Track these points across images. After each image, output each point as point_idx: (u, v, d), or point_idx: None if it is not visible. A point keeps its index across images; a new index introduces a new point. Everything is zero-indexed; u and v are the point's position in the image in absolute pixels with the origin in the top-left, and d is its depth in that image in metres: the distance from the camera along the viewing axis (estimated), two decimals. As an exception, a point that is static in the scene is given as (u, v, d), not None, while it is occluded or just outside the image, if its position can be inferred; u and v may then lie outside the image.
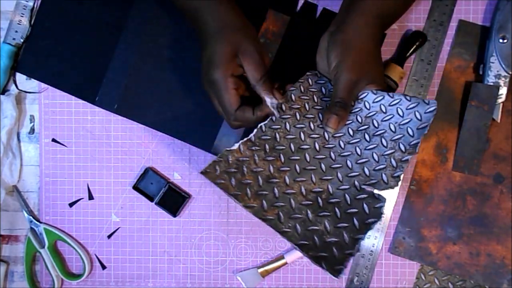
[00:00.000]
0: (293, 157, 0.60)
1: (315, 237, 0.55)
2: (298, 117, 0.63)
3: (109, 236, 0.74)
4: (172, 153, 0.74)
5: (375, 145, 0.60)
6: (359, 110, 0.62)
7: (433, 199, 0.71)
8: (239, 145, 0.59)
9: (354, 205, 0.57)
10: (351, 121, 0.62)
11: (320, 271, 0.73)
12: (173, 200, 0.73)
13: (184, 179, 0.74)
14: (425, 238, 0.71)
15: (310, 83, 0.65)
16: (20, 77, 0.75)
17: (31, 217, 0.74)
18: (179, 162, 0.74)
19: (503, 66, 0.67)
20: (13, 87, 0.74)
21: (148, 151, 0.74)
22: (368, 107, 0.61)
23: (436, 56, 0.71)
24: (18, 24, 0.73)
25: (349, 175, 0.59)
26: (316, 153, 0.61)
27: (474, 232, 0.70)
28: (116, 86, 0.73)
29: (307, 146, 0.61)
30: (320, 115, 0.63)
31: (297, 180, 0.59)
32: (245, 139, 0.60)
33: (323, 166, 0.60)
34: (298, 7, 0.72)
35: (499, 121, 0.69)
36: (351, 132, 0.61)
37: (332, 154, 0.61)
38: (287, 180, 0.59)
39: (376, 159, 0.59)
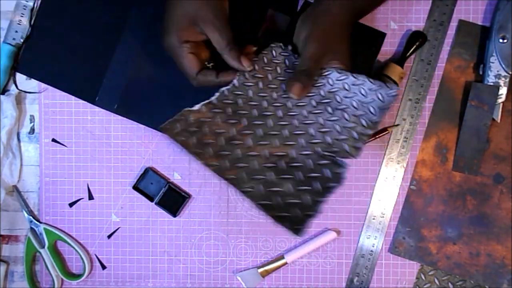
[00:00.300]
0: (255, 122, 0.60)
1: (277, 198, 0.56)
2: (261, 86, 0.63)
3: (109, 236, 0.74)
4: (172, 153, 0.74)
5: (337, 118, 0.60)
6: (322, 85, 0.62)
7: (433, 199, 0.71)
8: (201, 106, 0.59)
9: (316, 170, 0.58)
10: (314, 94, 0.62)
11: (320, 271, 0.73)
12: (173, 200, 0.73)
13: (184, 179, 0.74)
14: (425, 238, 0.71)
15: (274, 54, 0.65)
16: (20, 77, 0.75)
17: (31, 217, 0.74)
18: (179, 162, 0.74)
19: (503, 66, 0.67)
20: (13, 87, 0.74)
21: (148, 151, 0.74)
22: (331, 83, 0.62)
23: (436, 56, 0.71)
24: (18, 24, 0.73)
25: (311, 141, 0.59)
26: (279, 119, 0.61)
27: (474, 232, 0.70)
28: (116, 86, 0.73)
29: (270, 113, 0.61)
30: (283, 85, 0.63)
31: (259, 144, 0.59)
32: (207, 101, 0.60)
33: (286, 132, 0.60)
34: (298, 7, 0.72)
35: (499, 121, 0.69)
36: (314, 103, 0.62)
37: (295, 121, 0.61)
38: (250, 143, 0.59)
39: (338, 130, 0.59)
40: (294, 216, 0.55)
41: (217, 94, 0.61)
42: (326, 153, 0.59)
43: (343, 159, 0.58)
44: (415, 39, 0.70)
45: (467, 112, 0.69)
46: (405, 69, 0.70)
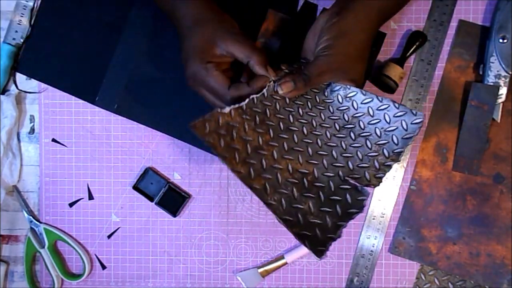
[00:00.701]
0: (282, 135, 0.60)
1: (299, 215, 0.55)
2: (287, 101, 0.62)
3: (109, 236, 0.74)
4: (172, 153, 0.74)
5: (360, 145, 0.60)
6: (346, 109, 0.62)
7: (433, 199, 0.71)
8: (230, 110, 0.58)
9: (337, 193, 0.57)
10: (338, 118, 0.62)
11: (320, 271, 0.73)
12: (173, 200, 0.73)
13: (184, 179, 0.74)
14: (425, 238, 0.71)
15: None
16: (20, 77, 0.75)
17: (31, 217, 0.74)
18: (179, 162, 0.74)
19: (503, 66, 0.67)
20: (13, 87, 0.74)
21: (148, 151, 0.74)
22: (356, 107, 0.61)
23: (436, 56, 0.71)
24: (18, 24, 0.73)
25: (334, 164, 0.59)
26: (304, 136, 0.61)
27: (474, 232, 0.70)
28: (116, 86, 0.73)
29: (296, 128, 0.61)
30: (309, 103, 0.63)
31: (284, 157, 0.58)
32: (237, 105, 0.59)
33: (310, 150, 0.60)
34: (298, 7, 0.72)
35: (499, 121, 0.69)
36: (337, 127, 0.61)
37: (319, 141, 0.61)
38: (275, 155, 0.58)
39: (360, 157, 0.59)
40: (315, 236, 0.55)
41: (246, 100, 0.60)
42: (348, 178, 0.58)
43: (365, 187, 0.58)
44: (415, 39, 0.70)
45: (467, 112, 0.69)
46: (405, 69, 0.70)
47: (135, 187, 0.73)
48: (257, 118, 0.60)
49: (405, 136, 0.59)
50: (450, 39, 0.71)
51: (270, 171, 0.57)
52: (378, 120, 0.60)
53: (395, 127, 0.59)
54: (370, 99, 0.61)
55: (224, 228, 0.74)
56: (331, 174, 0.58)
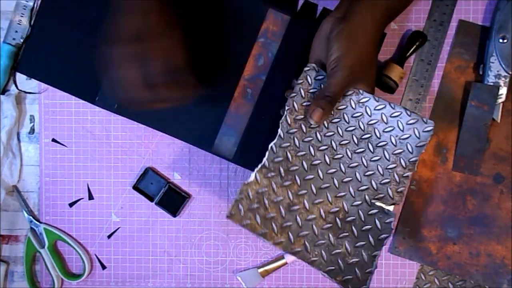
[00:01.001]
0: (307, 177, 0.61)
1: (339, 261, 0.58)
2: (304, 129, 0.63)
3: (109, 236, 0.74)
4: (172, 153, 0.74)
5: (379, 157, 0.61)
6: (360, 115, 0.62)
7: (433, 199, 0.71)
8: (255, 175, 0.61)
9: (367, 222, 0.60)
10: (354, 127, 0.62)
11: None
12: (173, 200, 0.73)
13: (184, 179, 0.74)
14: (425, 238, 0.71)
15: (310, 81, 0.64)
16: (20, 77, 0.75)
17: (31, 217, 0.74)
18: (179, 162, 0.74)
19: (503, 66, 0.67)
20: (13, 87, 0.74)
21: (148, 151, 0.74)
22: (369, 113, 0.62)
23: (436, 56, 0.71)
24: (18, 24, 0.73)
25: (360, 189, 0.61)
26: (327, 167, 0.62)
27: (474, 232, 0.70)
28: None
29: (319, 161, 0.62)
30: (325, 122, 0.63)
31: (315, 203, 0.60)
32: (260, 166, 0.61)
33: (335, 181, 0.61)
34: (298, 7, 0.72)
35: (499, 121, 0.69)
36: (355, 140, 0.62)
37: (342, 166, 0.62)
38: (307, 205, 0.60)
39: (381, 172, 0.61)
40: (356, 277, 0.57)
41: (267, 153, 0.62)
42: (374, 201, 0.60)
43: (389, 209, 0.60)
44: (415, 39, 0.70)
45: (467, 112, 0.69)
46: (405, 69, 0.70)
47: (135, 187, 0.73)
48: (281, 170, 0.61)
49: (419, 144, 0.60)
50: (450, 39, 0.71)
51: (306, 226, 0.60)
52: (392, 128, 0.61)
53: (408, 135, 0.61)
54: (383, 106, 0.61)
55: (224, 228, 0.74)
56: (359, 202, 0.60)
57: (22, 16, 0.73)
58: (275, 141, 0.62)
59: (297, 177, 0.61)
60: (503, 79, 0.68)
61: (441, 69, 0.71)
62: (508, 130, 0.70)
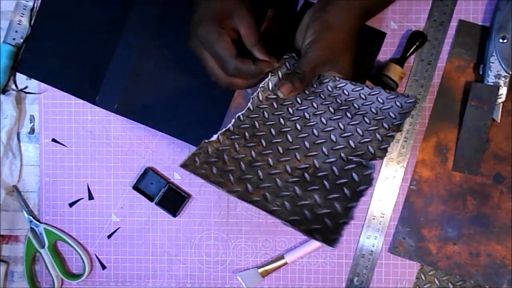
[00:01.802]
0: (274, 140, 0.60)
1: (306, 211, 0.54)
2: (275, 105, 0.62)
3: (109, 236, 0.74)
4: (172, 153, 0.74)
5: (358, 122, 0.59)
6: (338, 95, 0.62)
7: (433, 199, 0.71)
8: (218, 136, 0.58)
9: (343, 176, 0.56)
10: (331, 102, 0.62)
11: (320, 271, 0.73)
12: (173, 200, 0.73)
13: (184, 179, 0.74)
14: (425, 238, 0.71)
15: (288, 67, 0.64)
16: (20, 77, 0.75)
17: (31, 217, 0.74)
18: (179, 162, 0.73)
19: (503, 66, 0.67)
20: (13, 87, 0.74)
21: (148, 151, 0.74)
22: (347, 93, 0.62)
23: (436, 56, 0.71)
24: (18, 24, 0.73)
25: (334, 148, 0.58)
26: (298, 133, 0.60)
27: (474, 232, 0.70)
28: (117, 86, 0.73)
29: (288, 128, 0.61)
30: (298, 99, 0.63)
31: (280, 161, 0.58)
32: (223, 129, 0.59)
33: (306, 143, 0.59)
34: (298, 7, 0.72)
35: (499, 121, 0.69)
36: (332, 110, 0.61)
37: (315, 131, 0.60)
38: (271, 162, 0.58)
39: (361, 133, 0.58)
40: (325, 227, 0.53)
41: (233, 121, 0.60)
42: (351, 157, 0.57)
43: (370, 161, 0.56)
44: (415, 39, 0.70)
45: (467, 112, 0.69)
46: (405, 69, 0.70)
47: (135, 187, 0.73)
48: (247, 134, 0.60)
49: (402, 112, 0.58)
50: (450, 39, 0.71)
51: (268, 179, 0.56)
52: (371, 102, 0.60)
53: (390, 106, 0.59)
54: (360, 88, 0.61)
55: (224, 228, 0.74)
56: (333, 159, 0.57)
57: (22, 16, 0.73)
58: (243, 112, 0.61)
59: (262, 140, 0.59)
60: (503, 79, 0.68)
61: (441, 69, 0.71)
62: (508, 130, 0.70)
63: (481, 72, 0.69)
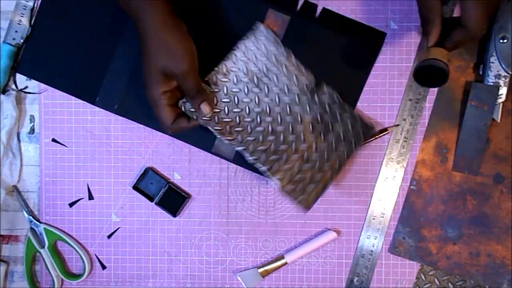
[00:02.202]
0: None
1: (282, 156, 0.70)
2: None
3: (109, 236, 0.74)
4: (172, 153, 0.74)
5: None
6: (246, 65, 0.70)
7: (433, 199, 0.71)
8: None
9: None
10: (248, 81, 0.70)
11: (320, 271, 0.73)
12: (173, 200, 0.73)
13: (184, 179, 0.74)
14: (425, 238, 0.71)
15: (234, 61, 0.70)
16: (20, 77, 0.75)
17: (31, 217, 0.74)
18: (179, 162, 0.74)
19: (503, 66, 0.67)
20: (13, 87, 0.74)
21: (148, 151, 0.74)
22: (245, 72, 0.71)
23: (436, 56, 0.71)
24: (18, 24, 0.73)
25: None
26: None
27: (474, 232, 0.70)
28: (117, 87, 0.73)
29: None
30: (246, 88, 0.70)
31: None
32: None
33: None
34: (298, 7, 0.72)
35: (499, 121, 0.69)
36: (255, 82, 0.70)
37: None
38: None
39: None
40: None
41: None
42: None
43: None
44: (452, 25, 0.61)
45: (467, 112, 0.69)
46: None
47: (135, 187, 0.73)
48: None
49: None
50: (450, 39, 0.71)
51: (254, 133, 0.70)
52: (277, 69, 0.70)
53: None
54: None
55: (224, 228, 0.74)
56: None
57: (22, 16, 0.73)
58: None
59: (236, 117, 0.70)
60: (503, 79, 0.68)
61: (441, 69, 0.71)
62: (508, 130, 0.70)
63: (481, 72, 0.69)
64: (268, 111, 0.69)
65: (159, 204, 0.73)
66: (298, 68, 0.69)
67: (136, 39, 0.73)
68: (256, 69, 0.69)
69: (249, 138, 0.69)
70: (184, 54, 0.62)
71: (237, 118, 0.69)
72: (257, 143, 0.69)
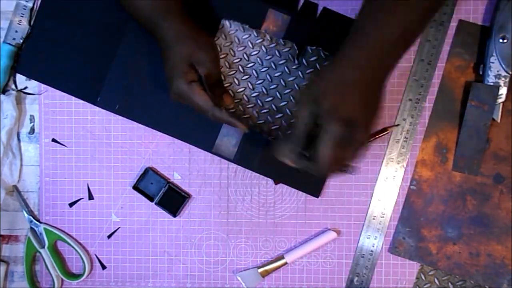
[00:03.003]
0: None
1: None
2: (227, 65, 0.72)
3: (109, 236, 0.74)
4: (172, 153, 0.74)
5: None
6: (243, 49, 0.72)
7: (433, 199, 0.71)
8: None
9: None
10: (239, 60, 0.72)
11: (320, 271, 0.73)
12: (173, 200, 0.73)
13: (184, 179, 0.74)
14: (425, 238, 0.71)
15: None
16: (20, 77, 0.75)
17: (31, 217, 0.74)
18: (179, 162, 0.74)
19: (503, 66, 0.67)
20: (13, 87, 0.74)
21: (148, 151, 0.74)
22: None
23: (436, 56, 0.71)
24: (18, 24, 0.73)
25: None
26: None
27: (474, 232, 0.70)
28: (118, 87, 0.73)
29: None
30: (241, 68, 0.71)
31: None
32: None
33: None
34: (298, 7, 0.72)
35: (499, 121, 0.69)
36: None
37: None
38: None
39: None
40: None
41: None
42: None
43: None
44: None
45: (467, 112, 0.69)
46: (404, 69, 0.70)
47: (135, 187, 0.73)
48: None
49: None
50: (450, 39, 0.71)
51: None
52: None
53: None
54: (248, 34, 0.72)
55: (224, 228, 0.74)
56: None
57: (22, 16, 0.73)
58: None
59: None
60: (503, 79, 0.68)
61: (441, 69, 0.71)
62: (508, 130, 0.70)
63: (481, 72, 0.69)
64: (265, 91, 0.71)
65: (159, 204, 0.73)
66: (276, 42, 0.70)
67: (137, 39, 0.73)
68: (238, 59, 0.71)
69: (259, 122, 0.71)
70: (211, 41, 0.66)
71: (240, 107, 0.70)
72: (269, 124, 0.71)
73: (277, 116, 0.71)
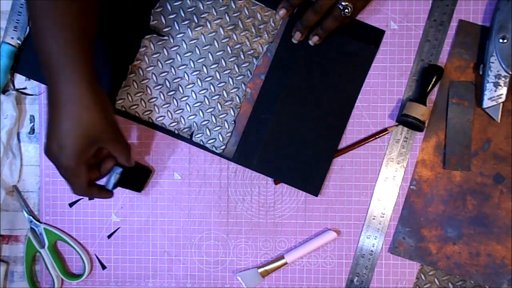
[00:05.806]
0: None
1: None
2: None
3: (109, 236, 0.74)
4: (172, 153, 0.74)
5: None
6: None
7: (433, 199, 0.71)
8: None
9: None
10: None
11: (320, 271, 0.73)
12: (134, 177, 0.70)
13: (184, 179, 0.74)
14: (425, 238, 0.71)
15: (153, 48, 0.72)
16: (19, 78, 0.74)
17: (31, 217, 0.74)
18: (179, 162, 0.74)
19: (503, 66, 0.67)
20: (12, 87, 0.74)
21: (148, 151, 0.74)
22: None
23: (436, 56, 0.71)
24: (18, 24, 0.73)
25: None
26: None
27: (474, 232, 0.70)
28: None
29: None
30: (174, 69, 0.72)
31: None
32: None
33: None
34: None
35: (499, 121, 0.69)
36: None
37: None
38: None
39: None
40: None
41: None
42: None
43: None
44: (431, 73, 0.68)
45: (450, 110, 0.69)
46: (405, 69, 0.70)
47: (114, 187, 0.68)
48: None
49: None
50: (450, 39, 0.71)
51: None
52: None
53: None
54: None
55: (224, 228, 0.74)
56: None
57: (21, 16, 0.73)
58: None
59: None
60: (503, 79, 0.68)
61: (441, 69, 0.71)
62: (508, 130, 0.70)
63: (481, 72, 0.69)
64: (206, 70, 0.71)
65: (122, 185, 0.68)
66: (190, 26, 0.71)
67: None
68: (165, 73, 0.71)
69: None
70: (113, 120, 0.61)
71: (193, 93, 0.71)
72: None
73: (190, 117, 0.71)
